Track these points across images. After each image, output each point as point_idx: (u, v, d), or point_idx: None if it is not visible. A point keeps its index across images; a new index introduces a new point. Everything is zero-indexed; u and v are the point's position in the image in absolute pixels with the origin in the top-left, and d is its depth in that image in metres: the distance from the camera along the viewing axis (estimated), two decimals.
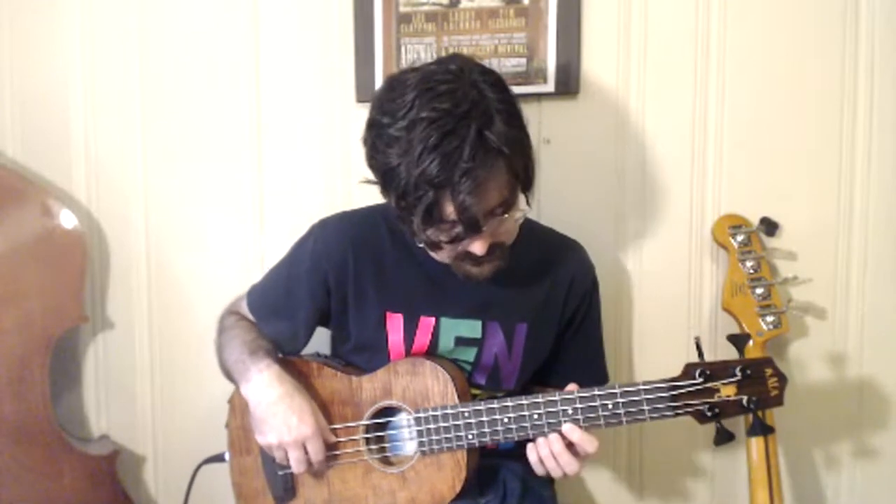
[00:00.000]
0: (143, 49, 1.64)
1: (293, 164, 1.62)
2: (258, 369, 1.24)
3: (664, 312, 1.54)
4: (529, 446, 1.17)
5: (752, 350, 1.39)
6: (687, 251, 1.53)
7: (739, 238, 1.43)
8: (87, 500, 1.60)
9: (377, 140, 1.11)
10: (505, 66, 1.51)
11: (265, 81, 1.62)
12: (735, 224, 1.44)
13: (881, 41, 1.45)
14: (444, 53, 1.53)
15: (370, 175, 1.16)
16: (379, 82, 1.55)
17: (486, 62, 1.50)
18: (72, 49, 1.66)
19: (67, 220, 1.58)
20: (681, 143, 1.51)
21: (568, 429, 1.13)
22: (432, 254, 1.20)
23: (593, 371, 1.38)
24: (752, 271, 1.41)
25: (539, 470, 1.17)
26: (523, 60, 1.52)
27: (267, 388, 1.23)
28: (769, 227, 1.43)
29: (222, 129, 1.63)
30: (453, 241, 1.12)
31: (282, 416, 1.21)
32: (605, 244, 1.54)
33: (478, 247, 1.13)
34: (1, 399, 1.54)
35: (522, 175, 1.12)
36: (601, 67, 1.51)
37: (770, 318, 1.40)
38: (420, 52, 1.54)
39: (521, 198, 1.16)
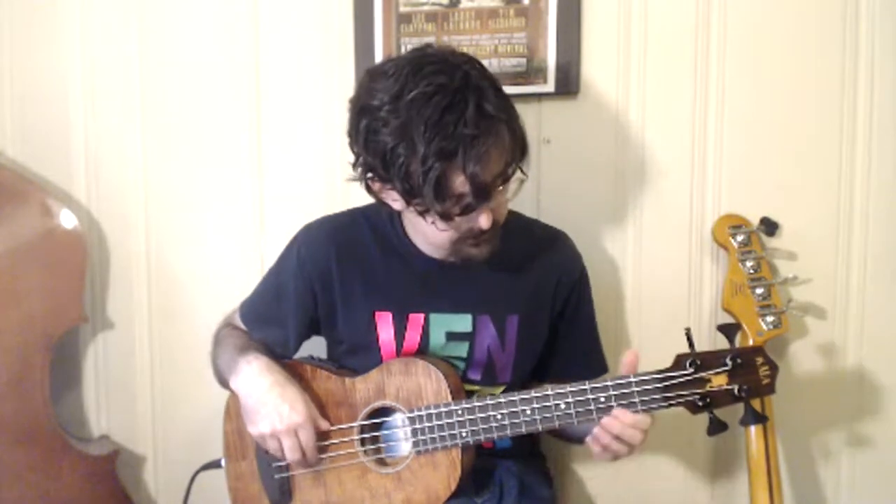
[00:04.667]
0: (143, 49, 1.64)
1: (293, 164, 1.62)
2: (247, 361, 1.25)
3: (664, 312, 1.53)
4: (590, 439, 1.16)
5: None
6: (687, 251, 1.53)
7: (739, 238, 1.42)
8: (87, 500, 1.60)
9: (372, 123, 1.11)
10: (505, 66, 1.51)
11: (265, 81, 1.62)
12: (735, 224, 1.43)
13: (881, 41, 1.45)
14: None
15: (359, 169, 1.18)
16: None
17: (486, 62, 1.52)
18: (72, 49, 1.66)
19: (67, 220, 1.58)
20: (681, 142, 1.51)
21: (619, 412, 1.12)
22: (431, 241, 1.21)
23: (592, 362, 1.38)
24: (752, 271, 1.41)
25: (605, 457, 1.16)
26: (523, 60, 1.52)
27: (257, 378, 1.23)
28: (769, 227, 1.43)
29: (222, 129, 1.63)
30: (464, 213, 1.12)
31: (273, 404, 1.20)
32: (605, 244, 1.54)
33: (484, 219, 1.14)
34: (1, 399, 1.54)
35: (521, 139, 1.15)
36: (601, 67, 1.51)
37: (770, 318, 1.40)
38: None
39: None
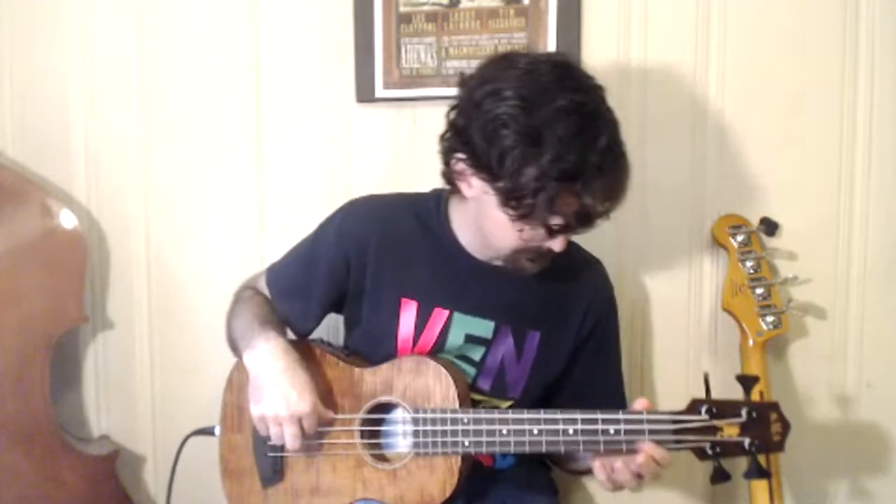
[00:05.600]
0: (143, 49, 1.65)
1: (293, 165, 1.62)
2: (265, 339, 1.22)
3: (664, 312, 1.53)
4: (597, 466, 1.14)
5: (753, 350, 1.39)
6: (687, 251, 1.53)
7: (739, 238, 1.42)
8: (87, 500, 1.60)
9: (497, 114, 1.08)
10: None
11: (265, 81, 1.62)
12: (735, 224, 1.43)
13: (881, 41, 1.45)
14: (444, 53, 1.54)
15: (448, 143, 1.17)
16: (379, 82, 1.55)
17: None
18: (72, 49, 1.66)
19: (67, 220, 1.58)
20: (681, 142, 1.51)
21: (649, 447, 1.09)
22: (493, 240, 1.19)
23: (612, 397, 1.35)
24: (752, 271, 1.41)
25: (607, 487, 1.15)
26: None
27: (270, 359, 1.20)
28: (769, 227, 1.43)
29: (222, 129, 1.63)
30: (559, 233, 1.12)
31: (282, 388, 1.18)
32: (604, 244, 1.53)
33: (559, 243, 1.14)
34: (1, 399, 1.54)
35: (628, 184, 1.13)
36: (601, 67, 1.50)
37: (770, 318, 1.40)
38: (420, 52, 1.54)
39: None
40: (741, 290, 1.41)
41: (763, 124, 1.49)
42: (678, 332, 1.54)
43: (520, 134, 1.06)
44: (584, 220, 1.11)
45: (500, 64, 1.13)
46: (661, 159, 1.52)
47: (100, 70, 1.66)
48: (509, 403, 1.29)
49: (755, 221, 1.44)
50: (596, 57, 1.51)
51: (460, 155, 1.15)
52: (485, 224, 1.19)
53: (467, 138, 1.12)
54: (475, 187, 1.15)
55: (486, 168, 1.10)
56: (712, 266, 1.52)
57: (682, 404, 1.12)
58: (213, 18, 1.62)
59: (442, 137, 1.19)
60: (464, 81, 1.17)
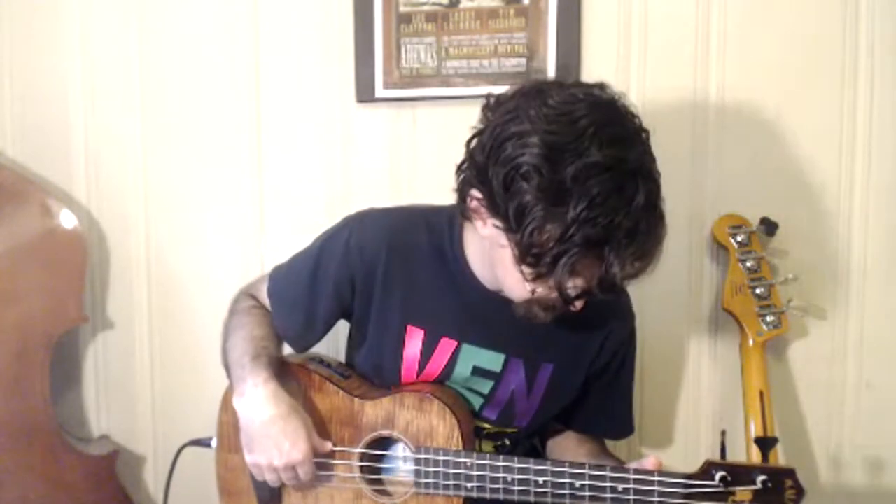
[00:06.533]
0: (143, 49, 1.65)
1: (293, 164, 1.62)
2: (255, 383, 1.15)
3: (664, 312, 1.53)
4: None
5: (753, 350, 1.39)
6: (687, 251, 1.52)
7: (739, 238, 1.42)
8: (87, 500, 1.60)
9: (519, 164, 0.96)
10: (505, 66, 1.51)
11: (265, 81, 1.62)
12: (735, 224, 1.43)
13: (881, 41, 1.45)
14: (444, 53, 1.54)
15: (465, 175, 1.08)
16: (379, 82, 1.55)
17: (486, 62, 1.52)
18: (72, 49, 1.66)
19: (67, 220, 1.58)
20: (681, 142, 1.51)
21: None
22: (506, 288, 1.10)
23: (620, 422, 1.32)
24: (752, 271, 1.41)
25: None
26: (523, 60, 1.52)
27: (261, 406, 1.15)
28: (769, 227, 1.43)
29: (222, 129, 1.63)
30: (576, 298, 1.02)
31: (274, 438, 1.13)
32: None
33: (576, 306, 1.05)
34: (1, 399, 1.54)
35: (662, 245, 1.01)
36: (601, 67, 1.51)
37: (770, 318, 1.40)
38: (420, 52, 1.54)
39: None
40: (741, 290, 1.41)
41: (763, 124, 1.49)
42: (678, 333, 1.54)
43: (541, 190, 0.95)
44: (608, 287, 0.99)
45: (532, 98, 1.00)
46: (661, 159, 1.50)
47: (100, 70, 1.66)
48: (514, 430, 1.25)
49: (755, 221, 1.44)
50: (596, 57, 1.51)
51: (476, 193, 1.04)
52: (497, 268, 1.10)
53: (485, 179, 1.01)
54: (490, 229, 1.05)
55: (503, 217, 1.00)
56: (712, 266, 1.52)
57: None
58: (213, 18, 1.62)
59: (459, 168, 1.09)
60: (489, 107, 1.06)
